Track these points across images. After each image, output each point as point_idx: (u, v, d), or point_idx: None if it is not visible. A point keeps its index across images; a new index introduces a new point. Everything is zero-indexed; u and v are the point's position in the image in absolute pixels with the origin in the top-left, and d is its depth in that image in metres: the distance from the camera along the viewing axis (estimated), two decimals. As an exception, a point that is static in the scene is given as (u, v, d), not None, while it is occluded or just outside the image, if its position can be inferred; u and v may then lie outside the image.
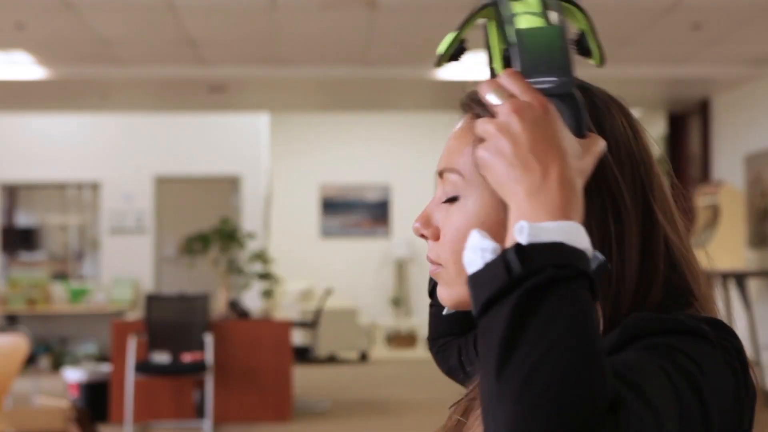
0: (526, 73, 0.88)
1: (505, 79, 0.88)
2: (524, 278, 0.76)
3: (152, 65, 8.34)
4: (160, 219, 11.58)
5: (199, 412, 7.52)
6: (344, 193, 13.45)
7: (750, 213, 8.55)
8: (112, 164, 11.47)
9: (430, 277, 1.17)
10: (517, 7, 0.92)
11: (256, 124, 11.73)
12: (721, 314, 0.97)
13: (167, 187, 11.61)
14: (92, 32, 7.15)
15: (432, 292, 1.18)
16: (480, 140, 0.86)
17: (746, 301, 7.87)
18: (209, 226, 9.02)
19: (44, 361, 10.52)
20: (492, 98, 0.86)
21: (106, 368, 7.85)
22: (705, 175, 9.58)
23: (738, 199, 8.36)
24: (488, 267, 0.78)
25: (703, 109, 9.69)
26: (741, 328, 8.18)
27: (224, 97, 9.69)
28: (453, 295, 0.99)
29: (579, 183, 0.83)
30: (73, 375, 7.68)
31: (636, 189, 0.94)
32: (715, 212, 8.37)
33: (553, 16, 0.93)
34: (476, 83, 1.01)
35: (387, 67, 8.45)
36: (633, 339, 0.86)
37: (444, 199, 0.99)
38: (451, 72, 8.41)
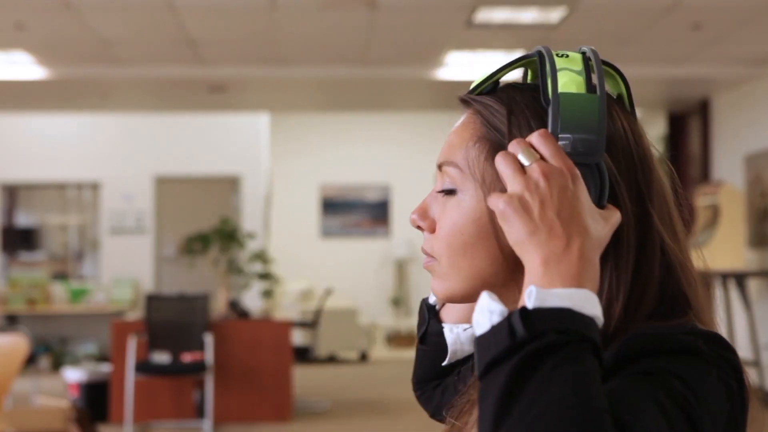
0: (557, 137, 0.90)
1: (536, 139, 0.88)
2: (527, 342, 0.77)
3: (152, 65, 8.34)
4: (160, 219, 11.58)
5: (199, 412, 7.52)
6: (344, 193, 13.45)
7: (750, 213, 8.55)
8: (112, 164, 11.47)
9: (419, 321, 1.16)
10: (560, 62, 0.93)
11: (256, 124, 11.73)
12: (718, 322, 0.96)
13: (167, 187, 11.61)
14: (92, 32, 7.15)
15: (423, 336, 1.16)
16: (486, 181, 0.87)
17: (746, 301, 7.86)
18: (209, 226, 9.02)
19: (44, 361, 10.52)
20: (522, 158, 0.87)
21: (106, 368, 7.85)
22: (705, 175, 9.58)
23: (738, 199, 8.36)
24: (494, 330, 0.80)
25: (703, 109, 9.69)
26: (741, 328, 8.18)
27: (224, 97, 9.69)
28: (445, 288, 0.98)
29: (597, 256, 0.85)
30: (73, 375, 7.68)
31: (632, 192, 0.93)
32: (715, 212, 8.37)
33: (594, 77, 0.93)
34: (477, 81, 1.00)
35: (387, 67, 8.45)
36: (629, 360, 0.85)
37: (441, 192, 0.99)
38: (451, 72, 8.41)
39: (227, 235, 8.63)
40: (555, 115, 0.90)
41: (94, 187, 11.62)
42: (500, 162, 0.88)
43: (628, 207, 0.92)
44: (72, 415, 4.94)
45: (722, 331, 0.94)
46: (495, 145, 0.95)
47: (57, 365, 10.38)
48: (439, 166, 0.99)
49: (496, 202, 0.87)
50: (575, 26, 6.92)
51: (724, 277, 7.91)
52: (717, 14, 6.69)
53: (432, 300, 1.14)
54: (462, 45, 7.65)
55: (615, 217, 0.89)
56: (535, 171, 0.86)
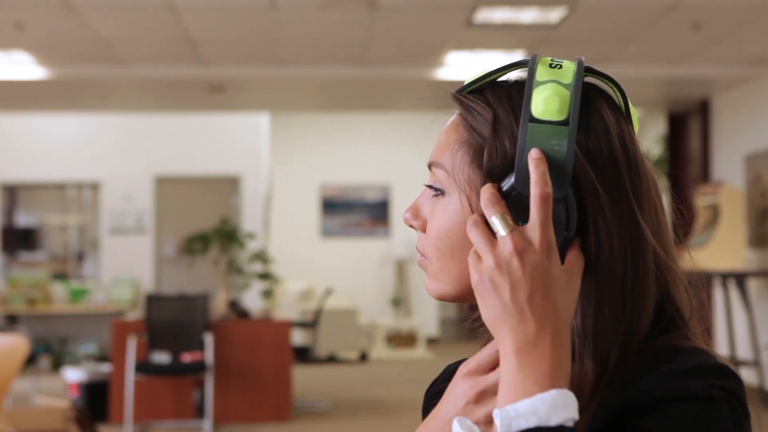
0: (520, 165, 0.87)
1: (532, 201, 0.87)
2: None
3: (152, 65, 8.34)
4: (160, 219, 11.58)
5: (199, 412, 7.52)
6: (344, 193, 13.45)
7: (750, 213, 8.55)
8: (112, 164, 11.48)
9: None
10: (549, 74, 0.90)
11: (256, 124, 11.74)
12: (703, 320, 0.94)
13: (167, 187, 11.61)
14: (92, 32, 7.15)
15: None
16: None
17: (746, 301, 7.86)
18: (209, 226, 9.03)
19: (44, 361, 10.52)
20: (496, 225, 0.85)
21: (106, 368, 7.85)
22: (705, 175, 9.58)
23: (738, 199, 8.36)
24: None
25: (703, 109, 9.69)
26: (741, 328, 8.18)
27: (224, 97, 9.69)
28: (437, 288, 0.97)
29: (568, 333, 0.84)
30: (73, 375, 7.68)
31: (620, 203, 0.91)
32: (715, 212, 8.37)
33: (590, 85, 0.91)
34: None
35: (387, 67, 8.45)
36: (642, 410, 0.84)
37: (431, 192, 0.98)
38: (451, 72, 8.41)
39: (227, 235, 8.64)
40: (522, 145, 0.88)
41: (94, 187, 11.62)
42: (471, 231, 0.86)
43: (611, 221, 0.89)
44: (72, 415, 4.94)
45: (720, 331, 0.94)
46: (478, 150, 0.93)
47: (57, 365, 10.39)
48: (429, 166, 0.99)
49: (474, 267, 0.85)
50: (575, 26, 6.92)
51: (724, 277, 7.91)
52: (717, 14, 6.69)
53: None
54: (462, 45, 7.65)
55: (578, 272, 0.87)
56: (507, 247, 0.84)
